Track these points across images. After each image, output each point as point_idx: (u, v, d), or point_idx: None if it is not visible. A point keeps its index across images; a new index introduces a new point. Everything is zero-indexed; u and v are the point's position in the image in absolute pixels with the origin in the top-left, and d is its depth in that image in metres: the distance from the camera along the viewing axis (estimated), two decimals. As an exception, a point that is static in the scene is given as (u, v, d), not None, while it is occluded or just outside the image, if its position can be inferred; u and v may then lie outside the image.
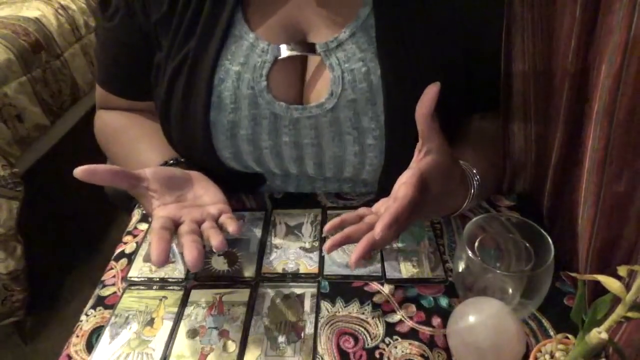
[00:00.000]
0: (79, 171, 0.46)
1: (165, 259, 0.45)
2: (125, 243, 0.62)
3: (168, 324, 0.51)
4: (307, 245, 0.59)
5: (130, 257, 0.59)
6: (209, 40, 0.57)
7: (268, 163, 0.62)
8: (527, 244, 0.48)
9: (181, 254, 0.59)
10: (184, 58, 0.58)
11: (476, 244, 0.48)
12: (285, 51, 0.56)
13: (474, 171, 0.54)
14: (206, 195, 0.55)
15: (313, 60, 0.57)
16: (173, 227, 0.49)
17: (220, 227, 0.51)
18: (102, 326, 0.51)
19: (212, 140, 0.59)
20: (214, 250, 0.47)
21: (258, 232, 0.61)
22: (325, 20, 0.56)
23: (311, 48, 0.56)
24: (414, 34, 0.55)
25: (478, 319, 0.42)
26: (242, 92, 0.56)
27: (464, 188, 0.53)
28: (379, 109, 0.55)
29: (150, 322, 0.51)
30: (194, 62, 0.57)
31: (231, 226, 0.50)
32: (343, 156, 0.59)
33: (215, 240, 0.47)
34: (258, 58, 0.56)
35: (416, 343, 0.47)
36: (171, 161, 0.62)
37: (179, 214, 0.51)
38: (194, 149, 0.61)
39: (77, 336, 0.51)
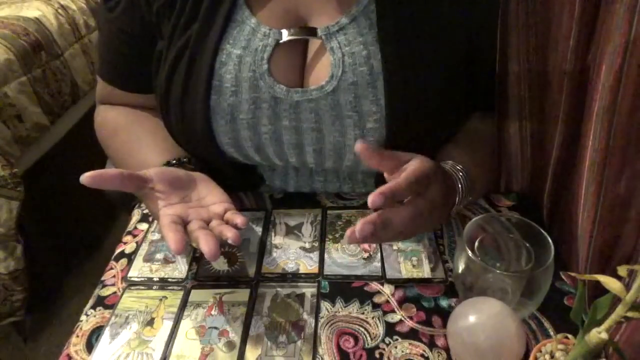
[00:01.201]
0: (87, 178, 0.46)
1: (183, 247, 0.46)
2: (125, 243, 0.62)
3: (168, 324, 0.51)
4: (307, 245, 0.59)
5: (130, 257, 0.59)
6: (210, 25, 0.57)
7: (267, 150, 0.61)
8: (527, 244, 0.48)
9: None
10: (185, 43, 0.58)
11: (476, 244, 0.48)
12: (286, 35, 0.56)
13: (458, 167, 0.54)
14: (210, 196, 0.56)
15: (314, 44, 0.58)
16: (182, 224, 0.50)
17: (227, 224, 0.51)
18: (102, 326, 0.51)
19: (211, 125, 0.59)
20: (231, 242, 0.48)
21: (258, 232, 0.62)
22: (327, 5, 0.57)
23: (312, 32, 0.56)
24: (415, 19, 0.55)
25: (478, 319, 0.42)
26: (243, 75, 0.56)
27: (451, 184, 0.52)
28: (379, 92, 0.55)
29: (150, 322, 0.51)
30: (195, 46, 0.57)
31: (238, 219, 0.51)
32: (343, 141, 0.59)
33: (230, 232, 0.48)
34: (260, 42, 0.56)
35: (416, 343, 0.48)
36: (173, 161, 0.62)
37: (186, 213, 0.52)
38: (193, 136, 0.61)
39: (77, 336, 0.51)
